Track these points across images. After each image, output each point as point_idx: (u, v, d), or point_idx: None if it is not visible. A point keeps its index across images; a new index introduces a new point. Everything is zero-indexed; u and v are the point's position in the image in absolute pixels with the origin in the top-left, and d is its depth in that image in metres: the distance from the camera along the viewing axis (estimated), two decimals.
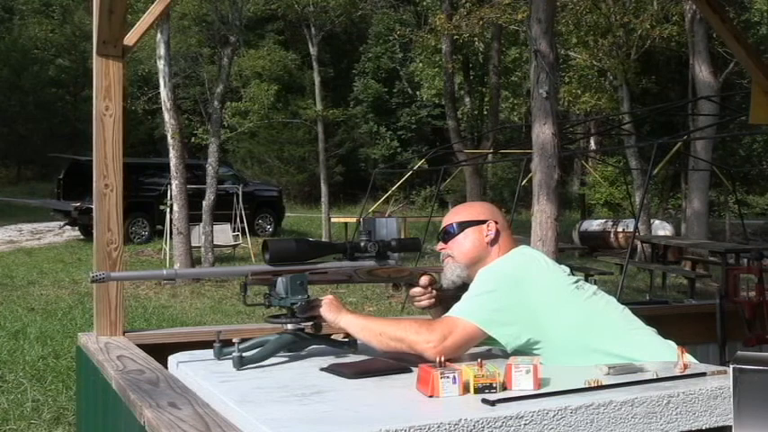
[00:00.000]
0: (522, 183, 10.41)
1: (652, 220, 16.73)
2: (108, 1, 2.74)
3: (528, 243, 3.98)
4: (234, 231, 15.47)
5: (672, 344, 2.07)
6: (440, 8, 18.99)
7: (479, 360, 1.73)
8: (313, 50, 20.14)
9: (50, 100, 31.83)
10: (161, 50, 12.45)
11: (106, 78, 2.86)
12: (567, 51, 18.41)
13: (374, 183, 16.37)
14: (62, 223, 17.42)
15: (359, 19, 26.63)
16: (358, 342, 2.14)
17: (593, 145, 22.81)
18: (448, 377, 1.66)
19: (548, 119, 5.05)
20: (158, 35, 12.41)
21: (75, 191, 16.22)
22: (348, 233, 17.75)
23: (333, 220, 19.29)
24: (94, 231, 2.88)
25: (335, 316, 2.07)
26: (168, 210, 12.95)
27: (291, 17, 21.31)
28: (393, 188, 20.04)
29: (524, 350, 1.98)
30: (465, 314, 1.97)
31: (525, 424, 1.55)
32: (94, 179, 2.84)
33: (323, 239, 17.63)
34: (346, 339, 2.17)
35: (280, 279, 2.03)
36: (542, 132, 5.08)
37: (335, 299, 2.11)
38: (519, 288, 2.01)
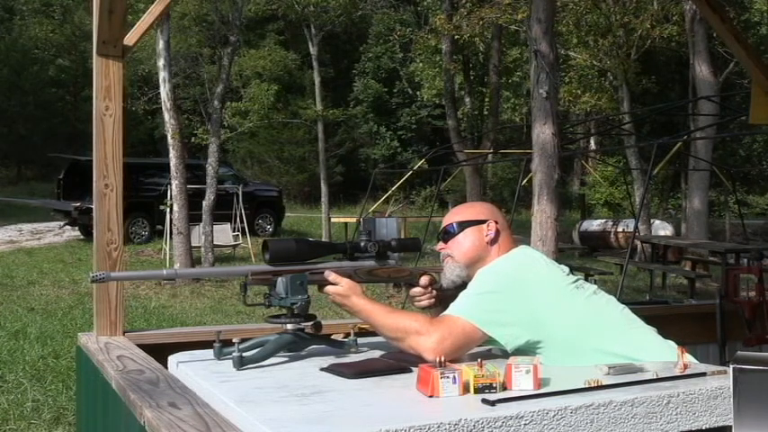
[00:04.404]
0: (522, 183, 10.41)
1: (652, 220, 16.73)
2: (108, 1, 2.74)
3: (528, 243, 3.98)
4: (234, 231, 15.47)
5: (672, 344, 2.07)
6: (440, 8, 18.99)
7: (479, 360, 1.73)
8: (313, 50, 20.14)
9: (50, 100, 31.83)
10: (161, 50, 12.45)
11: (106, 78, 2.86)
12: (567, 51, 18.40)
13: (374, 183, 16.37)
14: (62, 223, 17.41)
15: (359, 19, 26.62)
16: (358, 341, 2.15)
17: (593, 145, 22.82)
18: (448, 377, 1.66)
19: (548, 119, 5.05)
20: (158, 35, 12.41)
21: (75, 191, 16.22)
22: (348, 233, 17.74)
23: (333, 220, 19.29)
24: (94, 231, 2.88)
25: (348, 295, 2.04)
26: (168, 210, 12.95)
27: (291, 17, 21.31)
28: (393, 188, 20.07)
29: (525, 350, 1.98)
30: (465, 314, 1.96)
31: (525, 424, 1.55)
32: (94, 179, 2.84)
33: (323, 239, 17.62)
34: (346, 339, 2.17)
35: (280, 279, 2.03)
36: (542, 132, 5.08)
37: (357, 285, 2.07)
38: (519, 288, 2.01)
